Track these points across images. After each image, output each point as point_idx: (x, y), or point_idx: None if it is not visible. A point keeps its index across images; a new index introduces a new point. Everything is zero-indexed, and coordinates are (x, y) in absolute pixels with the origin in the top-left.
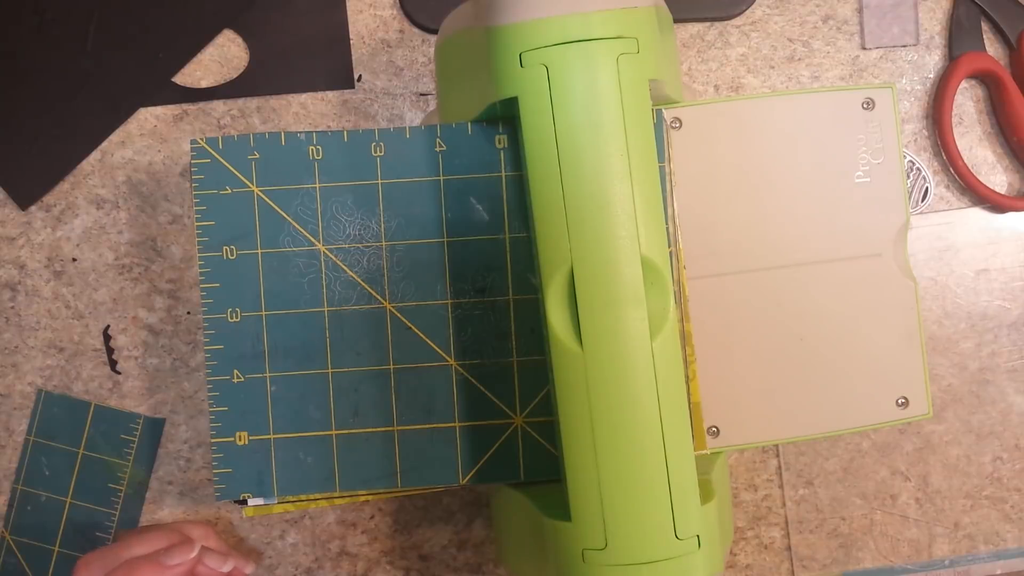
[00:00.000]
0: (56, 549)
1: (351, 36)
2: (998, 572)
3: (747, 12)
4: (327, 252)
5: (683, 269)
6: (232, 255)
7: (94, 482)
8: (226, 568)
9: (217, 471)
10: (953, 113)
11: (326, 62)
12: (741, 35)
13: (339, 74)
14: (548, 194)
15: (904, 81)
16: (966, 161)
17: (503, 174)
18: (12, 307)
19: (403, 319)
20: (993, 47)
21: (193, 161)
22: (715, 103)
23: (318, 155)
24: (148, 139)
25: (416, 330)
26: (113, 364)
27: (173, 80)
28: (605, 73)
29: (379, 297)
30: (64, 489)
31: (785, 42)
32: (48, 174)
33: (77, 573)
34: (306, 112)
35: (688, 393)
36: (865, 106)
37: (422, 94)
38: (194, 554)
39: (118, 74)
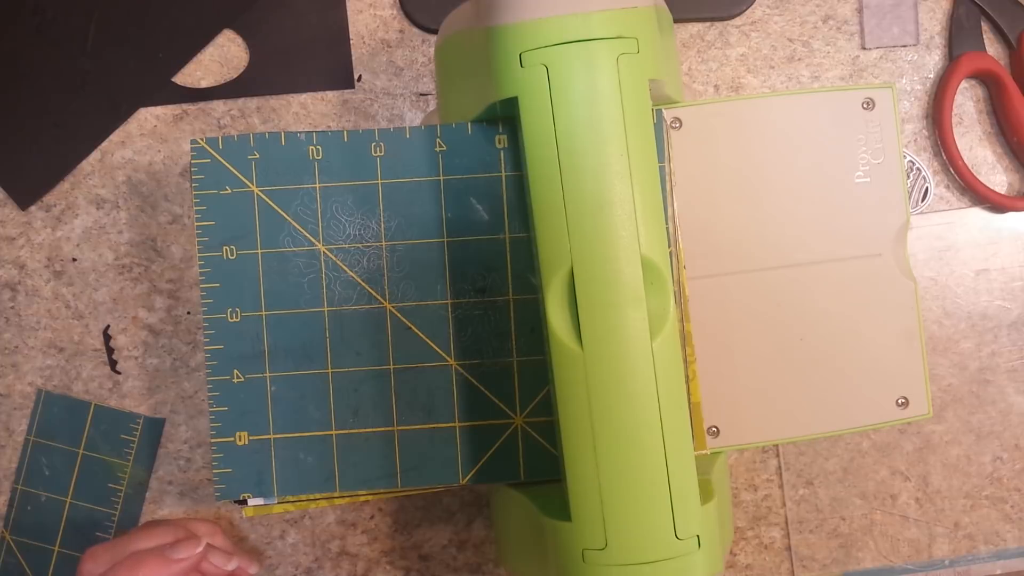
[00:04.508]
0: (56, 549)
1: (351, 36)
2: (998, 572)
3: (747, 12)
4: (327, 252)
5: (683, 269)
6: (232, 255)
7: (94, 482)
8: (230, 567)
9: (217, 471)
10: (953, 113)
11: (326, 62)
12: (741, 35)
13: (339, 74)
14: (548, 194)
15: (904, 81)
16: (966, 161)
17: (503, 174)
18: (12, 307)
19: (403, 319)
20: (993, 47)
21: (193, 161)
22: (715, 103)
23: (318, 155)
24: (148, 139)
25: (416, 330)
26: (113, 364)
27: (173, 80)
28: (605, 73)
29: (379, 297)
30: (64, 489)
31: (785, 42)
32: (48, 174)
33: (83, 565)
34: (306, 112)
35: (688, 393)
36: (865, 106)
37: (422, 94)
38: (199, 550)
39: (118, 74)
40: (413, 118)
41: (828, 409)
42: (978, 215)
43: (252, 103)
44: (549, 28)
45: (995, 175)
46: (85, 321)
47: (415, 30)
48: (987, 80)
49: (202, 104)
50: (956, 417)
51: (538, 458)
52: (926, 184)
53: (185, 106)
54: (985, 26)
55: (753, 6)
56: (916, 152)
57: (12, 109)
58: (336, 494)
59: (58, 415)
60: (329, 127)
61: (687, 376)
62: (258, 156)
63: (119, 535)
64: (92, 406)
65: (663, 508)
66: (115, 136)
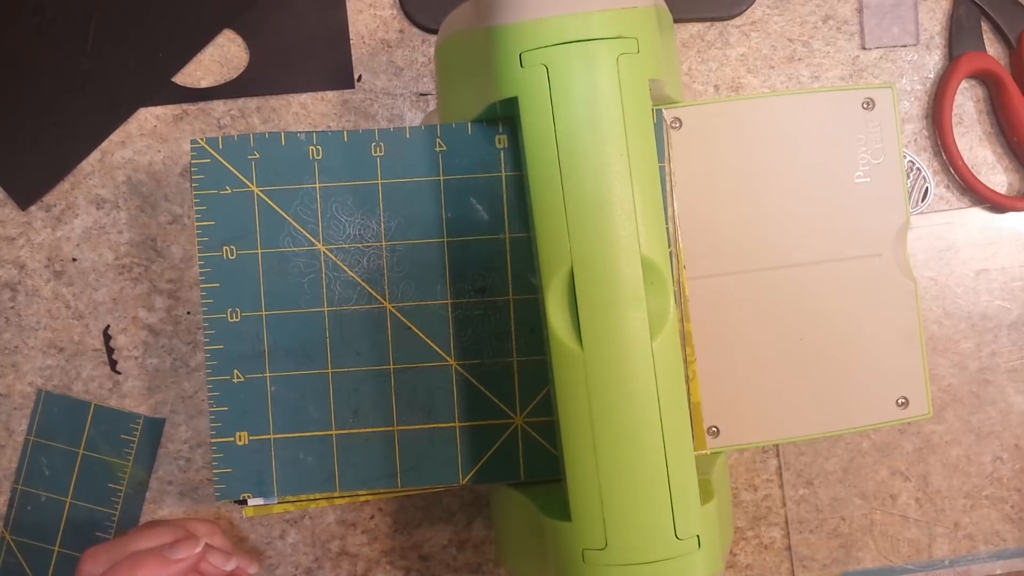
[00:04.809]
0: (56, 549)
1: (351, 36)
2: (998, 572)
3: (747, 12)
4: (327, 252)
5: (683, 269)
6: (232, 255)
7: (94, 482)
8: (229, 567)
9: (217, 471)
10: (953, 113)
11: (326, 62)
12: (741, 35)
13: (339, 74)
14: (548, 194)
15: (904, 81)
16: (966, 161)
17: (503, 174)
18: (12, 307)
19: (403, 319)
20: (993, 47)
21: (193, 161)
22: (715, 103)
23: (318, 155)
24: (148, 139)
25: (416, 330)
26: (113, 364)
27: (173, 80)
28: (605, 73)
29: (379, 297)
30: (64, 489)
31: (785, 42)
32: (48, 174)
33: (83, 565)
34: (306, 112)
35: (688, 393)
36: (865, 106)
37: (422, 94)
38: (198, 550)
39: (118, 74)
40: (413, 118)
41: (828, 409)
42: (978, 215)
43: (252, 103)
44: (549, 28)
45: (995, 175)
46: (85, 321)
47: (415, 30)
48: (987, 80)
49: (202, 104)
50: (956, 417)
51: (538, 458)
52: (926, 184)
53: (185, 106)
54: (985, 26)
55: (753, 6)
56: (916, 152)
57: (12, 109)
58: (336, 494)
59: (58, 415)
60: (329, 127)
61: (687, 376)
62: (258, 156)
63: (119, 535)
64: (92, 406)
65: (663, 508)
66: (115, 136)
